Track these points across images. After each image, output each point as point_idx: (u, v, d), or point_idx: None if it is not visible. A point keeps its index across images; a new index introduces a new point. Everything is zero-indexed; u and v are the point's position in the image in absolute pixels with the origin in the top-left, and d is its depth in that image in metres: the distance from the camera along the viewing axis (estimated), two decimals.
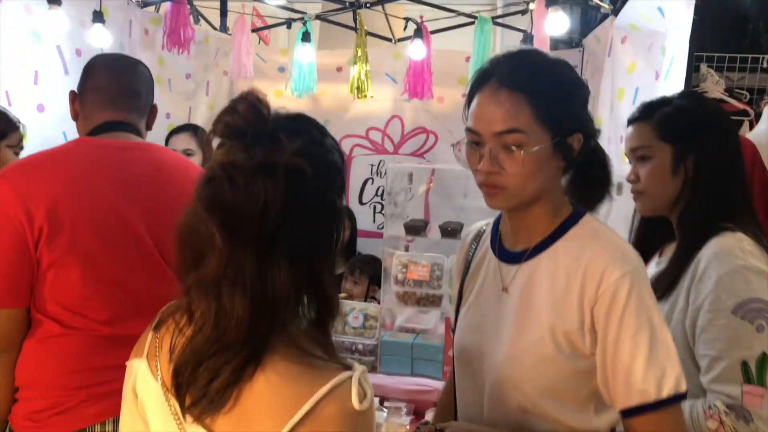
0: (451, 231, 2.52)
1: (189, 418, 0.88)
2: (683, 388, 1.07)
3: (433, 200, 3.84)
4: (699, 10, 1.81)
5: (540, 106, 1.08)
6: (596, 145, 1.19)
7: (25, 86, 2.78)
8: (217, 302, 0.86)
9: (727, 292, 1.32)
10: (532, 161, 1.08)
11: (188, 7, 3.44)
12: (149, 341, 0.97)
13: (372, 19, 3.96)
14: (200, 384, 0.86)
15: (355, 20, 3.58)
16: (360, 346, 2.50)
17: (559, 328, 1.10)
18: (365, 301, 2.97)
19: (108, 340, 1.48)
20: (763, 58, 3.08)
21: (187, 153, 2.81)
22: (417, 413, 2.30)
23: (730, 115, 2.64)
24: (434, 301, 2.49)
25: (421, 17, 3.54)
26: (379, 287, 2.83)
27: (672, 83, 2.11)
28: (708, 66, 3.02)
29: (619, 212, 1.82)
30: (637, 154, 1.50)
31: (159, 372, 0.93)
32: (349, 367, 0.88)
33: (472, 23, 3.50)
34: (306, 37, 3.55)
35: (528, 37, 3.24)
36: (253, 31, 3.95)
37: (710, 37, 2.90)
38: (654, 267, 1.53)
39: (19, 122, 2.12)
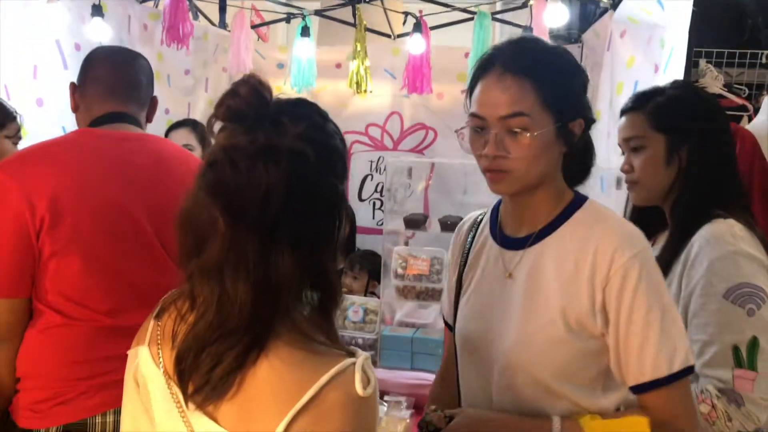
0: (450, 225, 2.52)
1: (191, 406, 0.88)
2: (692, 361, 1.10)
3: (433, 196, 3.85)
4: (698, 2, 1.81)
5: (544, 91, 1.10)
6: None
7: (25, 80, 2.77)
8: (220, 287, 0.85)
9: (719, 277, 1.34)
10: (537, 145, 1.10)
11: (187, 2, 3.43)
12: (151, 329, 0.96)
13: (371, 15, 3.95)
14: (203, 370, 0.86)
15: (354, 15, 3.58)
16: (360, 341, 2.50)
17: (569, 310, 1.11)
18: (365, 296, 2.97)
19: (109, 331, 1.49)
20: (762, 53, 3.09)
21: (187, 148, 2.80)
22: (417, 407, 2.29)
23: (730, 111, 2.66)
24: (434, 295, 2.49)
25: (420, 12, 3.53)
26: (379, 282, 2.83)
27: (671, 76, 2.11)
28: (707, 61, 3.03)
29: (618, 206, 1.82)
30: (630, 145, 1.51)
31: (161, 359, 0.92)
32: (352, 354, 0.88)
33: (471, 19, 3.50)
34: (305, 31, 3.55)
35: (528, 31, 3.23)
36: (252, 28, 3.94)
37: (709, 33, 2.90)
38: None
39: (17, 113, 2.11)
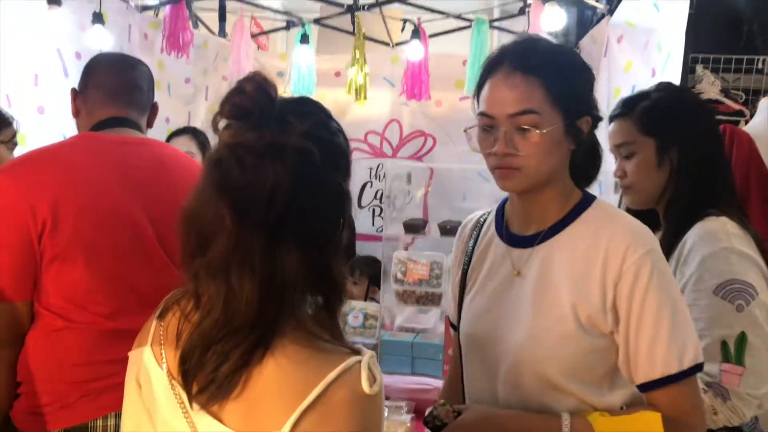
0: (450, 229, 2.53)
1: (195, 406, 0.87)
2: (701, 358, 1.11)
3: (432, 202, 3.86)
4: (694, 4, 1.83)
5: (553, 88, 1.11)
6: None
7: (26, 88, 2.79)
8: (226, 285, 0.85)
9: (710, 273, 1.36)
10: (546, 142, 1.11)
11: (187, 11, 3.46)
12: (153, 329, 0.95)
13: (370, 24, 3.98)
14: (208, 369, 0.85)
15: (353, 23, 3.60)
16: (360, 346, 2.50)
17: (580, 307, 1.12)
18: (365, 301, 2.97)
19: (111, 334, 1.48)
20: (758, 59, 3.10)
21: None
22: (417, 411, 2.29)
23: (727, 116, 2.67)
24: (434, 299, 2.50)
25: (419, 19, 3.56)
26: (379, 288, 2.83)
27: (668, 80, 2.12)
28: (704, 67, 3.04)
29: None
30: (621, 151, 1.53)
31: (164, 360, 0.91)
32: (357, 352, 0.88)
33: (469, 27, 3.53)
34: (304, 38, 3.57)
35: None
36: (252, 36, 3.97)
37: (705, 39, 2.91)
38: None
39: (12, 118, 2.09)
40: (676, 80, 2.04)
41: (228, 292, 0.85)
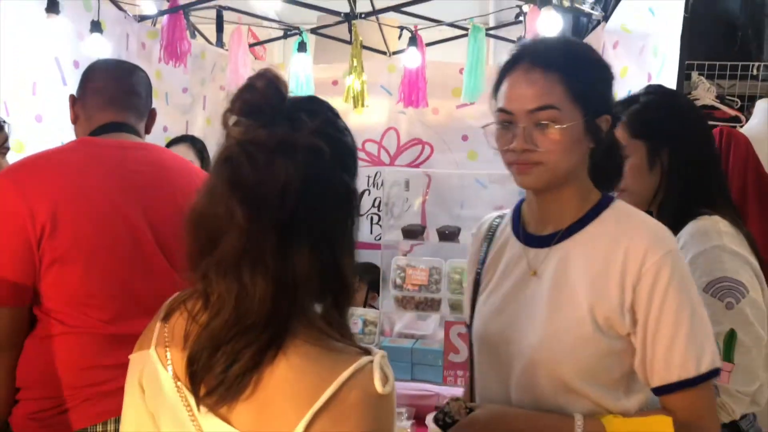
0: (448, 234, 2.54)
1: (203, 409, 0.85)
2: (719, 363, 1.10)
3: (430, 210, 3.86)
4: (689, 8, 1.84)
5: (573, 85, 1.10)
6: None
7: (24, 96, 2.80)
8: (238, 283, 0.84)
9: (701, 271, 1.37)
10: (566, 138, 1.10)
11: (185, 21, 3.47)
12: (157, 331, 0.93)
13: (367, 33, 4.01)
14: (217, 371, 0.83)
15: (350, 31, 3.62)
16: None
17: (598, 308, 1.10)
18: (364, 308, 2.97)
19: (110, 339, 1.48)
20: (753, 65, 3.12)
21: None
22: (417, 417, 2.29)
23: (723, 122, 2.68)
24: (433, 305, 2.50)
25: (415, 27, 3.58)
26: (378, 294, 2.83)
27: (664, 83, 2.13)
28: (699, 74, 3.06)
29: None
30: None
31: (169, 362, 0.90)
32: (368, 352, 0.87)
33: (465, 35, 3.55)
34: (302, 47, 3.59)
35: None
36: (249, 46, 3.98)
37: (700, 46, 2.93)
38: None
39: (4, 122, 2.08)
40: (672, 86, 2.04)
41: (240, 290, 0.84)
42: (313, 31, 4.15)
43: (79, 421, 1.46)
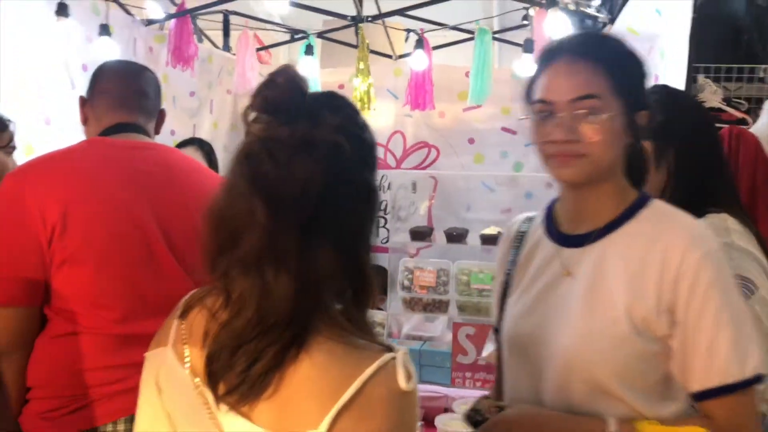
0: (456, 236, 2.54)
1: (223, 407, 0.84)
2: (765, 369, 1.05)
3: (437, 213, 3.86)
4: (697, 7, 1.84)
5: (615, 77, 1.08)
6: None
7: (32, 99, 2.81)
8: (261, 281, 0.83)
9: None
10: (608, 129, 1.07)
11: (192, 25, 3.50)
12: (174, 329, 0.92)
13: (373, 36, 4.02)
14: (238, 369, 0.82)
15: (357, 34, 3.64)
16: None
17: (635, 308, 1.07)
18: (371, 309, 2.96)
19: (120, 339, 1.48)
20: (760, 68, 3.12)
21: None
22: (426, 419, 2.28)
23: (729, 125, 2.68)
24: (441, 306, 2.49)
25: (422, 30, 3.59)
26: (385, 295, 2.83)
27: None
28: (705, 77, 3.06)
29: None
30: None
31: (187, 360, 0.88)
32: (390, 348, 0.86)
33: (471, 38, 3.56)
34: (309, 50, 3.60)
35: (530, 44, 3.25)
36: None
37: (706, 49, 2.94)
38: None
39: (9, 121, 2.06)
40: (680, 88, 2.04)
41: (263, 287, 0.83)
42: (320, 34, 4.16)
43: (90, 421, 1.46)
